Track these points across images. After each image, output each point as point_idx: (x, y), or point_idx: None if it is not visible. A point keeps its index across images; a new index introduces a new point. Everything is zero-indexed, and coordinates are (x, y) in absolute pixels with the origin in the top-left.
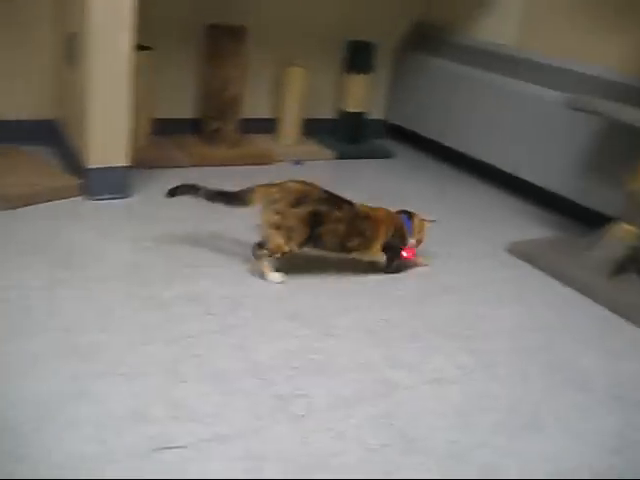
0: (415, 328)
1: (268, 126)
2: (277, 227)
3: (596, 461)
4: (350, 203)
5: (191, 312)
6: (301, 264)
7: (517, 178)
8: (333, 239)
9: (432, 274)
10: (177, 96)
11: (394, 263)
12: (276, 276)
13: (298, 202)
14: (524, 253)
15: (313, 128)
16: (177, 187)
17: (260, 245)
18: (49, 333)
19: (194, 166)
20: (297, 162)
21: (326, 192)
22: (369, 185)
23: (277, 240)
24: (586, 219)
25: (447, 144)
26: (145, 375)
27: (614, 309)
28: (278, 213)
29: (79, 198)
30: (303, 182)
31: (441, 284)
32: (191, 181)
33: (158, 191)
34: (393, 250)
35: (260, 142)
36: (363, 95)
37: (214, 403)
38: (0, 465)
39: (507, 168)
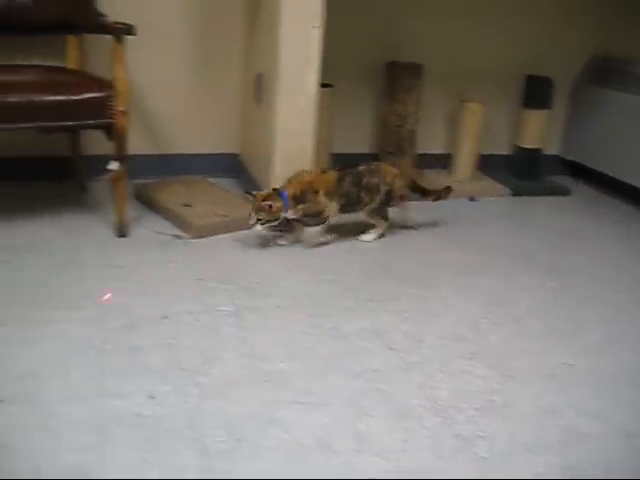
0: (600, 376)
1: (442, 161)
2: None
3: None
4: None
5: (373, 346)
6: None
7: None
8: None
9: (613, 320)
10: (354, 131)
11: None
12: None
13: None
14: None
15: (487, 164)
16: None
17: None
18: (240, 358)
19: None
20: (471, 198)
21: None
22: (545, 223)
23: None
24: None
25: (629, 181)
26: (330, 406)
27: None
28: None
29: None
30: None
31: (624, 330)
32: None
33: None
34: None
35: (434, 178)
36: (540, 131)
37: (397, 439)
38: None
39: None
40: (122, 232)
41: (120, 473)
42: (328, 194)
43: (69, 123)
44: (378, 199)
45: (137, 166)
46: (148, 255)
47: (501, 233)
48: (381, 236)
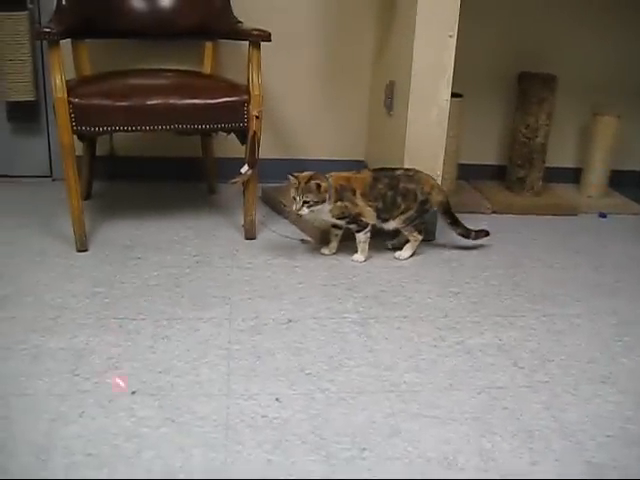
0: None
1: (572, 176)
2: None
3: None
4: None
5: (499, 362)
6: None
7: None
8: None
9: None
10: (482, 142)
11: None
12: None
13: None
14: None
15: (620, 180)
16: None
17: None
18: (365, 367)
19: (495, 213)
20: (602, 214)
21: None
22: None
23: None
24: None
25: None
26: (455, 421)
27: None
28: None
29: None
30: None
31: None
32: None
33: (457, 236)
34: None
35: (563, 192)
36: None
37: (524, 460)
38: None
39: None
40: (250, 235)
41: (246, 472)
42: (364, 195)
43: (205, 126)
44: (414, 208)
45: (265, 170)
46: (275, 259)
47: (633, 252)
48: (413, 253)
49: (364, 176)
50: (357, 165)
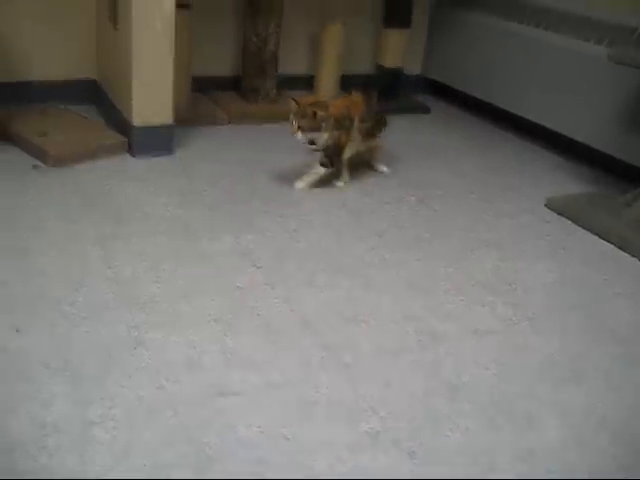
0: (456, 281)
1: (305, 82)
2: None
3: (636, 413)
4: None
5: (239, 265)
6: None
7: (557, 133)
8: None
9: (471, 229)
10: (216, 53)
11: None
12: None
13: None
14: (562, 208)
15: (350, 84)
16: None
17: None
18: (106, 284)
19: (231, 123)
20: None
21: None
22: (405, 139)
23: None
24: (626, 175)
25: (486, 99)
26: (198, 325)
27: None
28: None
29: (125, 156)
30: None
31: (481, 239)
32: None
33: (200, 148)
34: None
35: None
36: (401, 50)
37: (266, 352)
38: (62, 408)
39: (547, 124)
40: None
41: None
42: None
43: None
44: None
45: None
46: (6, 185)
47: None
48: None
49: (358, 100)
50: (89, 85)
